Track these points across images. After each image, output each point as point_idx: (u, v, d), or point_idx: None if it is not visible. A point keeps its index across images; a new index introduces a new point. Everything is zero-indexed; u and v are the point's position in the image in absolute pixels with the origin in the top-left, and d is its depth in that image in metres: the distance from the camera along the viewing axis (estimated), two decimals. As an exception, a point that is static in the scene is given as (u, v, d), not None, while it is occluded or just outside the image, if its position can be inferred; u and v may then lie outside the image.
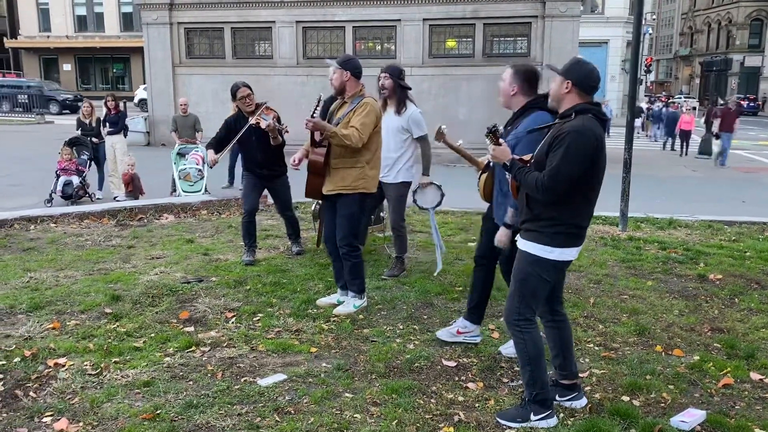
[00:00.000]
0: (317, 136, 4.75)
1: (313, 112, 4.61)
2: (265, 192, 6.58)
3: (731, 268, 6.23)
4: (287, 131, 5.57)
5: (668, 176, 15.30)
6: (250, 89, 6.15)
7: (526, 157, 3.34)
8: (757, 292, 5.57)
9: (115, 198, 10.50)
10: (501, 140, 3.32)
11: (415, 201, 5.93)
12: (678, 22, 67.59)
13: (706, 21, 59.69)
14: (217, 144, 6.17)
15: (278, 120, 6.00)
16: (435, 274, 5.82)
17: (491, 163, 3.98)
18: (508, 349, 4.19)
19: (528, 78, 3.80)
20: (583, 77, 3.17)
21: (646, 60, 41.04)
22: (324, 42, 17.96)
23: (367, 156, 4.78)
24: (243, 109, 6.13)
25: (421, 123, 5.61)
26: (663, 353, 4.26)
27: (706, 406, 3.52)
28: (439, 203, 6.03)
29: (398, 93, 5.54)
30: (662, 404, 3.56)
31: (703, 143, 19.84)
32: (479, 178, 4.23)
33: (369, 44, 18.19)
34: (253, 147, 6.08)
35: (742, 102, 44.46)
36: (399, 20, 17.16)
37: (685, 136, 20.46)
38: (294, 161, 5.04)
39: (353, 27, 17.56)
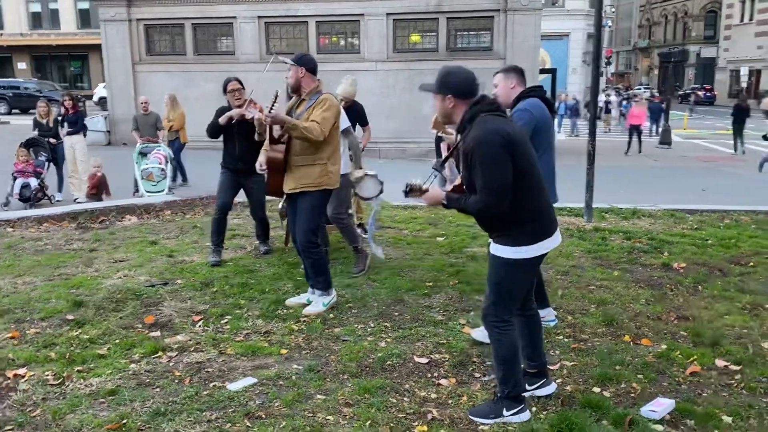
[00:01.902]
0: (276, 132, 4.67)
1: (271, 108, 4.54)
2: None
3: (694, 257, 6.35)
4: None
5: (630, 166, 15.58)
6: (241, 84, 6.11)
7: (457, 181, 3.27)
8: (720, 279, 5.67)
9: (75, 200, 10.24)
10: (424, 187, 3.23)
11: (356, 194, 5.88)
12: (636, 14, 68.78)
13: (663, 13, 60.90)
14: (213, 129, 6.02)
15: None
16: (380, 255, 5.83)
17: None
18: (477, 332, 4.26)
19: (519, 71, 4.23)
20: (458, 87, 3.10)
21: (606, 52, 41.69)
22: (287, 37, 17.79)
23: (328, 151, 4.73)
24: (232, 102, 6.07)
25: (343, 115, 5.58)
26: (631, 343, 4.31)
27: (675, 395, 3.57)
28: (381, 191, 5.94)
29: None
30: (632, 394, 3.60)
31: (663, 133, 20.24)
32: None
33: (333, 39, 18.07)
34: (232, 140, 5.98)
35: (698, 92, 45.56)
36: (362, 15, 17.09)
37: (635, 131, 18.64)
38: (260, 166, 4.97)
39: (316, 22, 17.44)
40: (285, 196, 5.01)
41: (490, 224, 3.22)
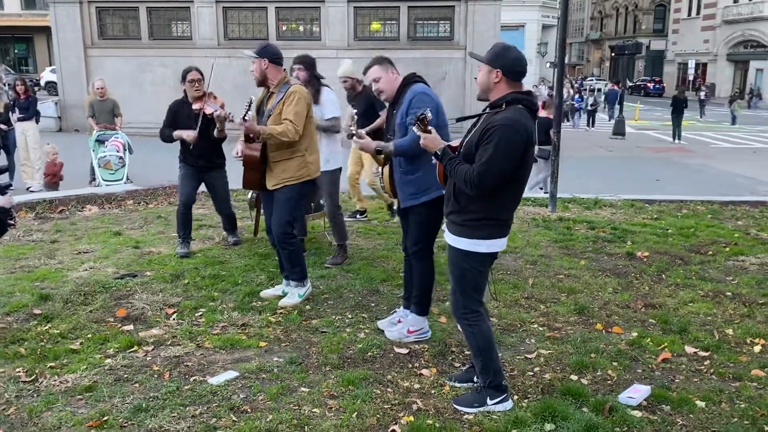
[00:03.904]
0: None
1: (245, 115, 4.48)
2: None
3: (656, 245, 6.54)
4: (232, 120, 5.41)
5: (586, 157, 15.89)
6: (201, 74, 5.93)
7: (455, 144, 3.28)
8: (682, 267, 5.87)
9: (28, 189, 9.89)
10: (431, 127, 3.22)
11: None
12: (588, 6, 70.03)
13: (615, 6, 62.23)
14: (165, 138, 5.93)
15: (223, 108, 5.79)
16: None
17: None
18: (393, 333, 4.21)
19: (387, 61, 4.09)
20: (511, 64, 3.09)
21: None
22: (246, 23, 17.50)
23: (305, 143, 4.68)
24: (190, 93, 5.90)
25: (334, 103, 5.55)
26: (603, 331, 4.42)
27: (649, 381, 3.68)
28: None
29: (314, 83, 5.49)
30: (609, 381, 3.70)
31: (617, 124, 20.72)
32: (381, 174, 4.22)
33: (292, 25, 17.86)
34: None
35: (648, 84, 46.77)
36: (323, 1, 16.93)
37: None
38: (236, 153, 4.89)
39: (276, 8, 17.20)
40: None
41: (467, 202, 3.17)
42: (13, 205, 4.09)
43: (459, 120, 3.77)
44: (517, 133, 2.99)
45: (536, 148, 9.99)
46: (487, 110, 3.17)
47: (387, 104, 4.23)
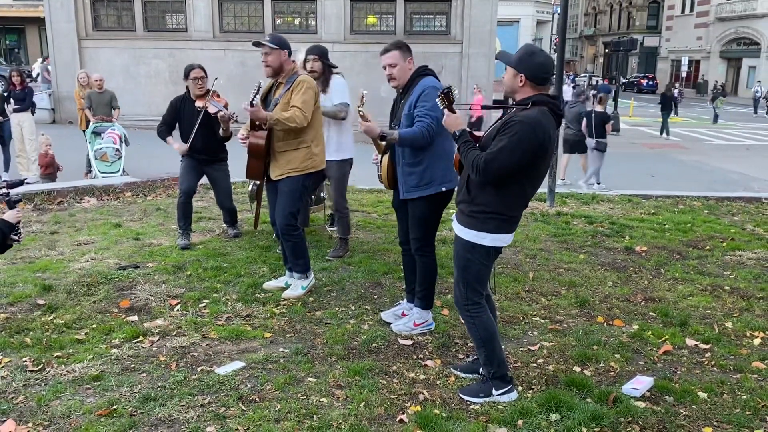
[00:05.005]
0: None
1: (252, 99, 4.47)
2: None
3: (654, 240, 6.60)
4: (236, 120, 5.40)
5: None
6: (205, 72, 5.92)
7: (478, 133, 3.33)
8: (680, 262, 5.92)
9: (24, 180, 9.83)
10: (454, 107, 3.24)
11: None
12: (582, 2, 70.09)
13: (609, 2, 62.35)
14: (168, 129, 5.95)
15: (226, 108, 5.78)
16: None
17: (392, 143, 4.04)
18: (399, 326, 4.25)
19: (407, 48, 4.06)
20: (536, 70, 3.11)
21: (556, 40, 42.42)
22: (241, 15, 17.44)
23: (311, 134, 4.68)
24: (193, 91, 5.89)
25: (342, 90, 5.51)
26: (605, 324, 4.46)
27: (652, 373, 3.73)
28: None
29: (326, 73, 5.51)
30: (612, 373, 3.74)
31: (613, 120, 20.79)
32: (380, 162, 4.21)
33: (288, 19, 17.81)
34: (196, 132, 5.82)
35: (641, 81, 46.93)
36: (320, -6, 16.88)
37: (476, 126, 14.73)
38: (241, 136, 4.89)
39: (272, 0, 17.14)
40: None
41: (476, 193, 3.22)
42: (20, 220, 4.06)
43: (484, 108, 3.81)
44: (534, 132, 3.02)
45: (594, 140, 10.53)
46: (514, 106, 3.20)
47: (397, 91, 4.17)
